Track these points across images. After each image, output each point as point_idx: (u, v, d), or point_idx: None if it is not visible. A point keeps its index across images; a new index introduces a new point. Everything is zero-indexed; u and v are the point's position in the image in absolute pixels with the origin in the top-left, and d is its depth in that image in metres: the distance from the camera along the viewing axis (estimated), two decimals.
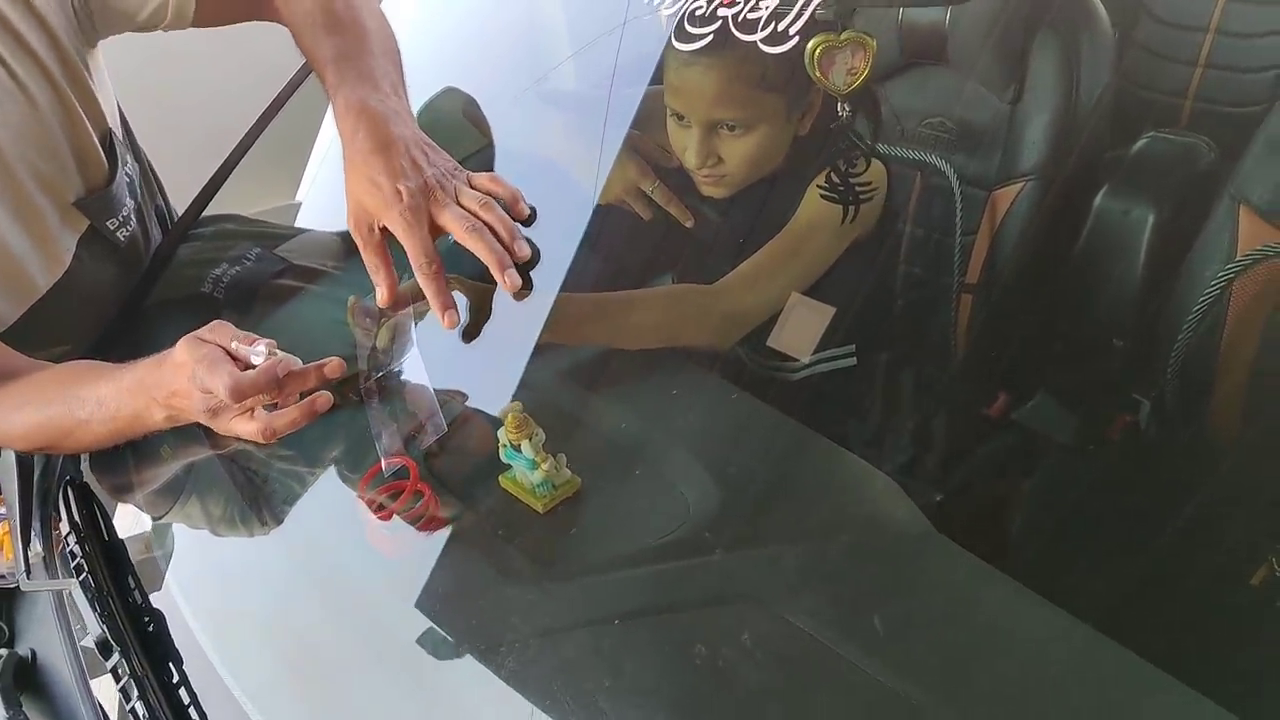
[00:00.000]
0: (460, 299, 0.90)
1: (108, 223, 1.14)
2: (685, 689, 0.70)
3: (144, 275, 1.22)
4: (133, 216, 1.20)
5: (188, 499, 1.08)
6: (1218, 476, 0.88)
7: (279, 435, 0.85)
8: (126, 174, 1.18)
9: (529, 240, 0.91)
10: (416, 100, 1.03)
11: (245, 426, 0.85)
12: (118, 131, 1.18)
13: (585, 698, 0.69)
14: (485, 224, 0.88)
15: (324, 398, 0.86)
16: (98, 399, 0.93)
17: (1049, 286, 1.04)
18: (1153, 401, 0.94)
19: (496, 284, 0.87)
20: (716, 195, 1.05)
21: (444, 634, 0.80)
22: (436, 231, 0.88)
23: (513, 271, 0.87)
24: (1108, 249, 1.00)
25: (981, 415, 1.00)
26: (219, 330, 0.88)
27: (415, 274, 0.87)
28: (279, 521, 1.00)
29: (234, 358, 0.85)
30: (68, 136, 1.07)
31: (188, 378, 0.85)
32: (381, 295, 0.91)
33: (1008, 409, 0.99)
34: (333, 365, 0.87)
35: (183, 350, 0.86)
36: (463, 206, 0.89)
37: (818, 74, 0.91)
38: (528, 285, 0.89)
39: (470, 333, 0.96)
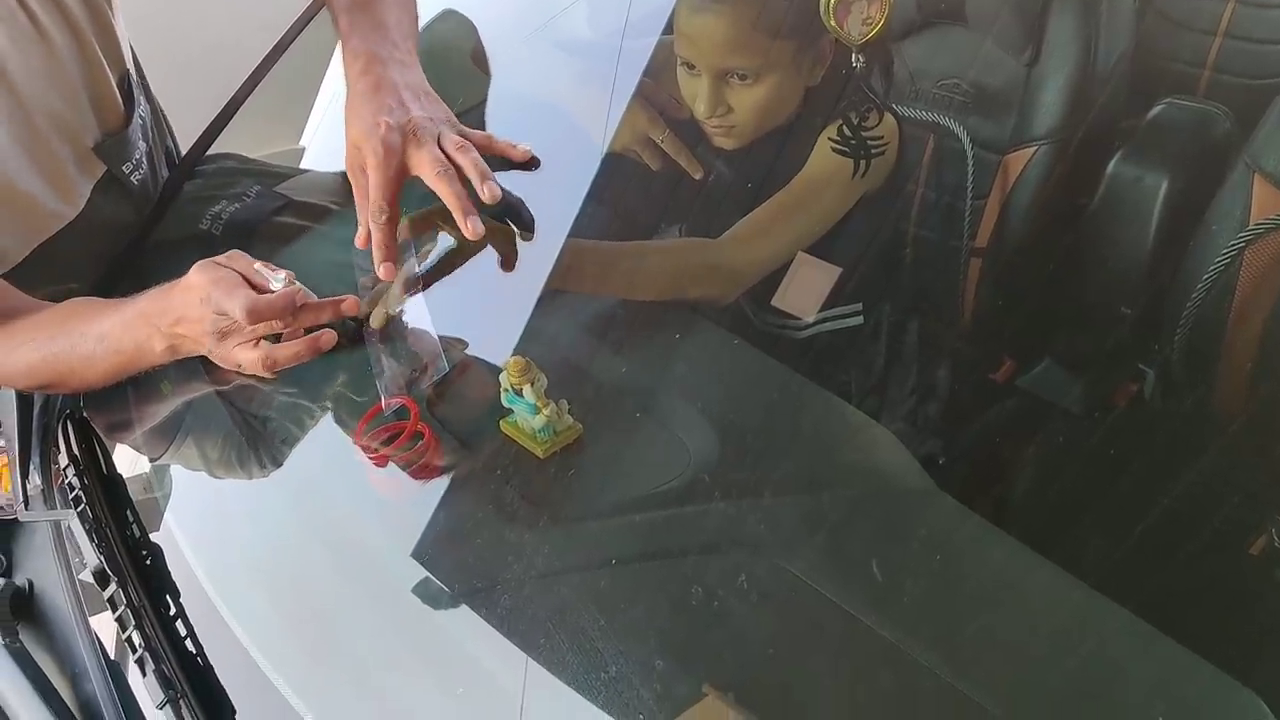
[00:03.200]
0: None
1: (123, 167, 1.14)
2: (680, 630, 0.70)
3: (148, 215, 1.22)
4: (144, 160, 1.19)
5: (184, 440, 1.08)
6: (1221, 445, 0.87)
7: (280, 367, 0.85)
8: (140, 116, 1.17)
9: (506, 191, 0.90)
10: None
11: (248, 355, 0.84)
12: (133, 73, 1.17)
13: (581, 637, 0.69)
14: (457, 167, 0.87)
15: (328, 335, 0.86)
16: (100, 334, 0.92)
17: (1058, 252, 1.03)
18: (1159, 369, 0.94)
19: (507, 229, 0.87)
20: (727, 146, 1.04)
21: (441, 574, 0.80)
22: (404, 174, 0.88)
23: (475, 218, 0.86)
24: (1119, 215, 0.99)
25: (987, 379, 0.99)
26: (236, 258, 0.87)
27: (370, 216, 0.88)
28: (277, 464, 1.00)
29: (251, 285, 0.84)
30: (86, 81, 1.06)
31: (200, 300, 0.84)
32: (360, 236, 0.91)
33: (1013, 374, 0.99)
34: (349, 303, 0.88)
35: (197, 273, 0.86)
36: (441, 149, 0.88)
37: (833, 23, 0.90)
38: (528, 230, 0.88)
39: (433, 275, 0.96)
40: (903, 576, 0.73)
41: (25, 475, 1.03)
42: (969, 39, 1.10)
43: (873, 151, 0.96)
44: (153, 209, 1.22)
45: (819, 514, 0.78)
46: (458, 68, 1.19)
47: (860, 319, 0.97)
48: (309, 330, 0.87)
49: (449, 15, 1.25)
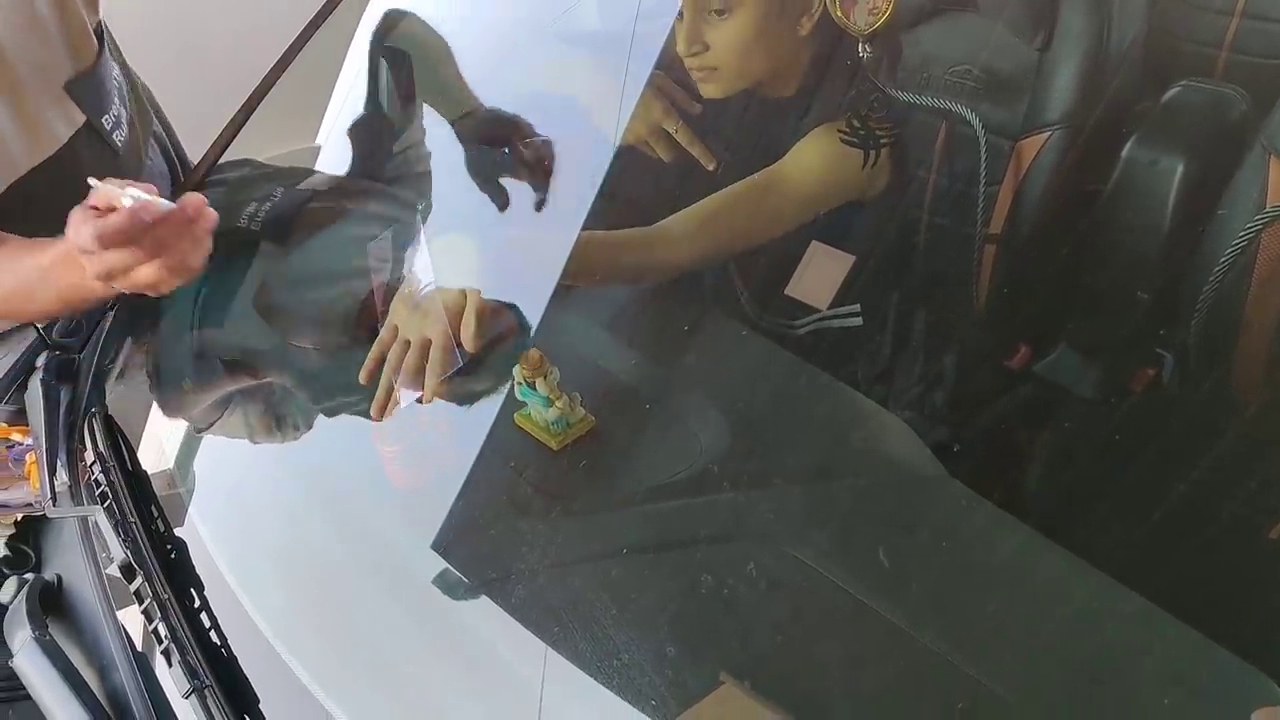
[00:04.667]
0: None
1: (102, 120, 1.16)
2: (692, 618, 0.71)
3: None
4: (124, 124, 1.21)
5: (231, 411, 1.10)
6: (1239, 429, 0.87)
7: (177, 276, 0.85)
8: (115, 79, 1.20)
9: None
10: None
11: (142, 275, 0.83)
12: (107, 31, 1.20)
13: (594, 625, 0.70)
14: None
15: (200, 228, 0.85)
16: (41, 269, 0.94)
17: (1073, 237, 1.02)
18: (1176, 354, 0.93)
19: None
20: (714, 95, 1.02)
21: (457, 564, 0.81)
22: None
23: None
24: (1134, 200, 0.98)
25: (1002, 366, 0.99)
26: (99, 189, 0.85)
27: None
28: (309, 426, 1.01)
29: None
30: (57, 16, 1.09)
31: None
32: None
33: (1028, 360, 0.98)
34: (194, 202, 0.85)
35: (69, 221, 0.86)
36: None
37: (839, 12, 0.90)
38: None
39: None
40: (914, 563, 0.73)
41: (53, 473, 1.05)
42: (980, 25, 1.09)
43: (882, 141, 0.96)
44: None
45: (830, 503, 0.79)
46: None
47: (859, 320, 0.97)
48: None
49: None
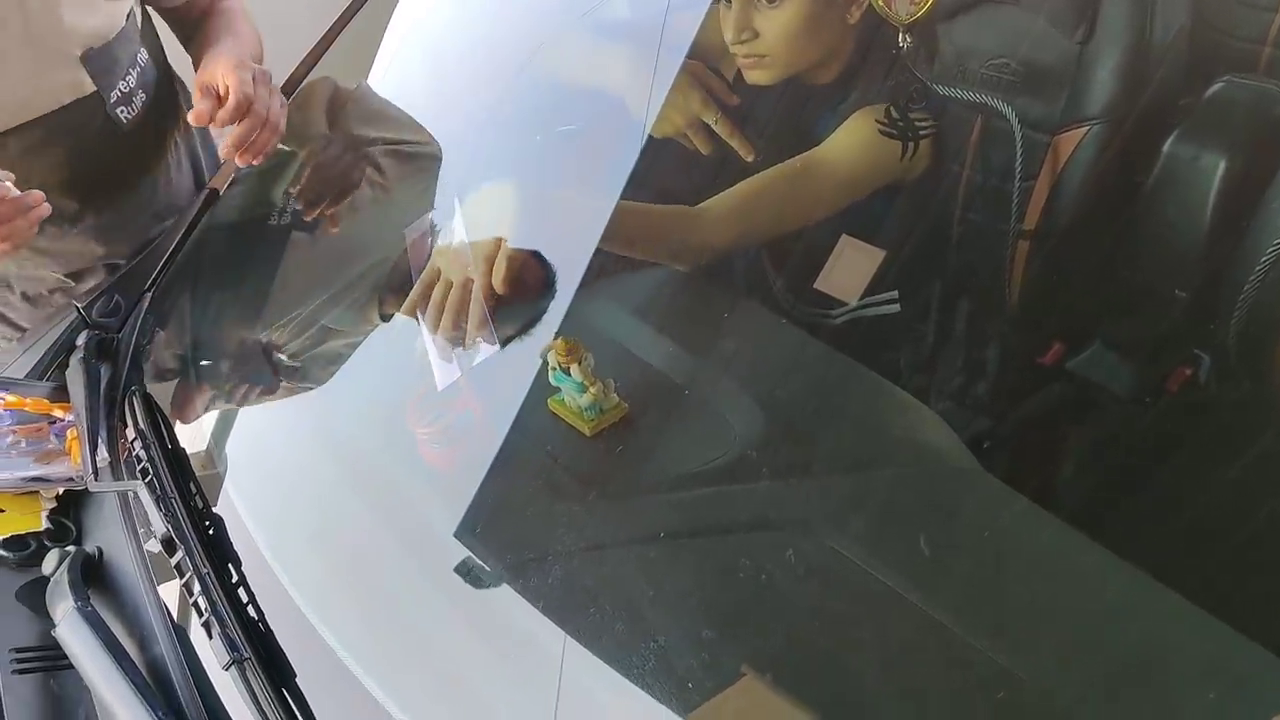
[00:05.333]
0: None
1: (111, 94, 1.22)
2: (727, 603, 0.71)
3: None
4: (137, 104, 1.27)
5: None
6: (1276, 431, 0.86)
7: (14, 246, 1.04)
8: (139, 60, 1.26)
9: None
10: None
11: None
12: (138, 13, 1.27)
13: (629, 607, 0.71)
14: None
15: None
16: None
17: (1110, 234, 1.02)
18: (1213, 354, 0.93)
19: None
20: (761, 81, 1.01)
21: (491, 545, 0.82)
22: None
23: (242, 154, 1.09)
24: (1174, 196, 0.97)
25: (1035, 364, 0.98)
26: None
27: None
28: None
29: None
30: None
31: None
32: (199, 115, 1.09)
33: (1062, 357, 0.98)
34: (35, 197, 1.04)
35: None
36: None
37: (881, 1, 0.89)
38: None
39: None
40: (949, 555, 0.73)
41: (94, 448, 1.07)
42: (1019, 17, 1.08)
43: (921, 134, 0.96)
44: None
45: (864, 492, 0.79)
46: None
47: (897, 307, 0.97)
48: None
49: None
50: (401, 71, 1.33)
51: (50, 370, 1.22)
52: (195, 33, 1.32)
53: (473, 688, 0.82)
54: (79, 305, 1.24)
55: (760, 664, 0.68)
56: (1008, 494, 0.78)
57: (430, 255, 1.04)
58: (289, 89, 1.34)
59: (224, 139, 1.13)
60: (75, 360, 1.16)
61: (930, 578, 0.72)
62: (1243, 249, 0.92)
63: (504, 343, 0.94)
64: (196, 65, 1.27)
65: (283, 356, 1.13)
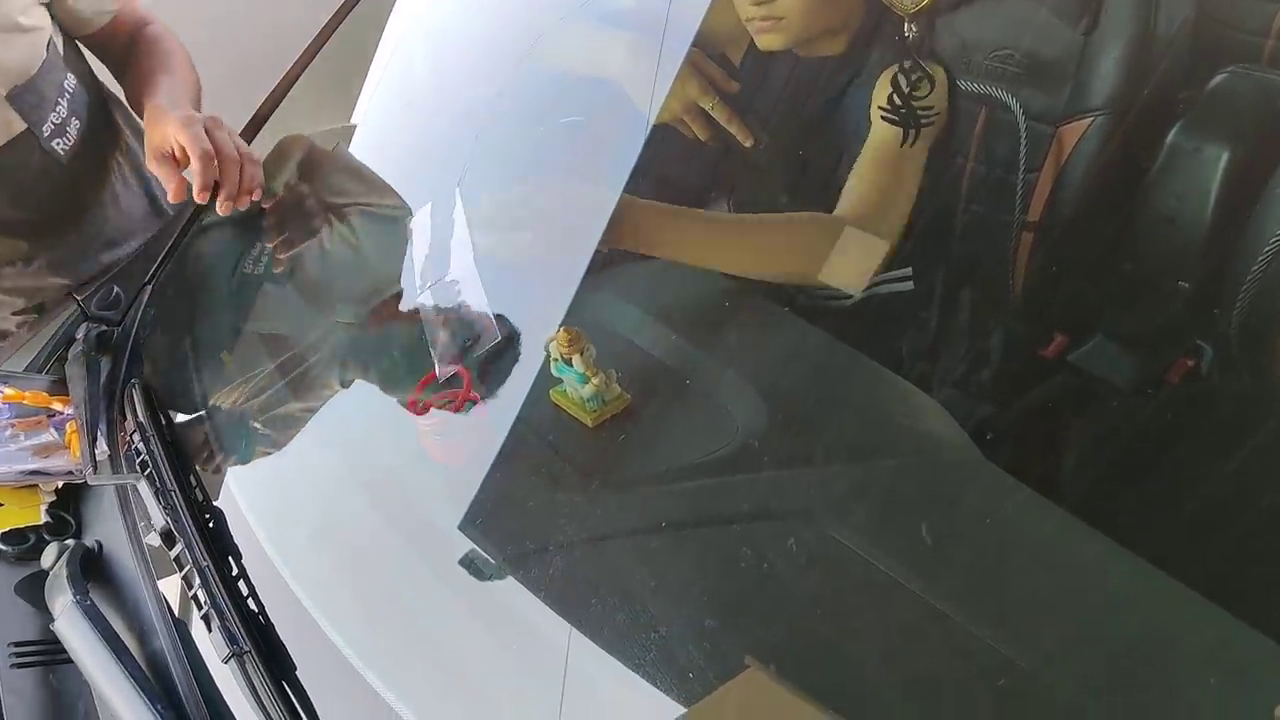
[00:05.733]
0: None
1: (43, 129, 1.21)
2: (730, 593, 0.71)
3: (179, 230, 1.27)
4: (72, 134, 1.25)
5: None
6: (1278, 423, 0.86)
7: None
8: (66, 89, 1.24)
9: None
10: None
11: None
12: (58, 42, 1.24)
13: (631, 598, 0.70)
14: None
15: None
16: None
17: (1113, 225, 1.01)
18: (1215, 345, 0.92)
19: None
20: (775, 46, 1.00)
21: (493, 537, 0.82)
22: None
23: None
24: (1177, 187, 0.97)
25: (1038, 355, 0.98)
26: None
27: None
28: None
29: None
30: None
31: None
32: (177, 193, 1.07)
33: (1064, 349, 0.97)
34: None
35: None
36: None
37: None
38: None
39: None
40: (952, 545, 0.73)
41: (93, 441, 1.06)
42: (1023, 8, 1.08)
43: (923, 121, 0.95)
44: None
45: (867, 482, 0.79)
46: None
47: (910, 284, 0.96)
48: None
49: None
50: (403, 63, 1.32)
51: (50, 363, 1.22)
52: (125, 67, 1.29)
53: (474, 680, 0.82)
54: (78, 298, 1.24)
55: (762, 654, 0.68)
56: (1010, 484, 0.78)
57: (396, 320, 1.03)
58: (289, 82, 1.34)
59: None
60: (74, 353, 1.16)
61: (933, 567, 0.71)
62: (1245, 240, 0.92)
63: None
64: (131, 101, 1.26)
65: (256, 425, 1.11)
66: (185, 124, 1.07)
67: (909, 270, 0.95)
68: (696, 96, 1.03)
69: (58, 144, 1.23)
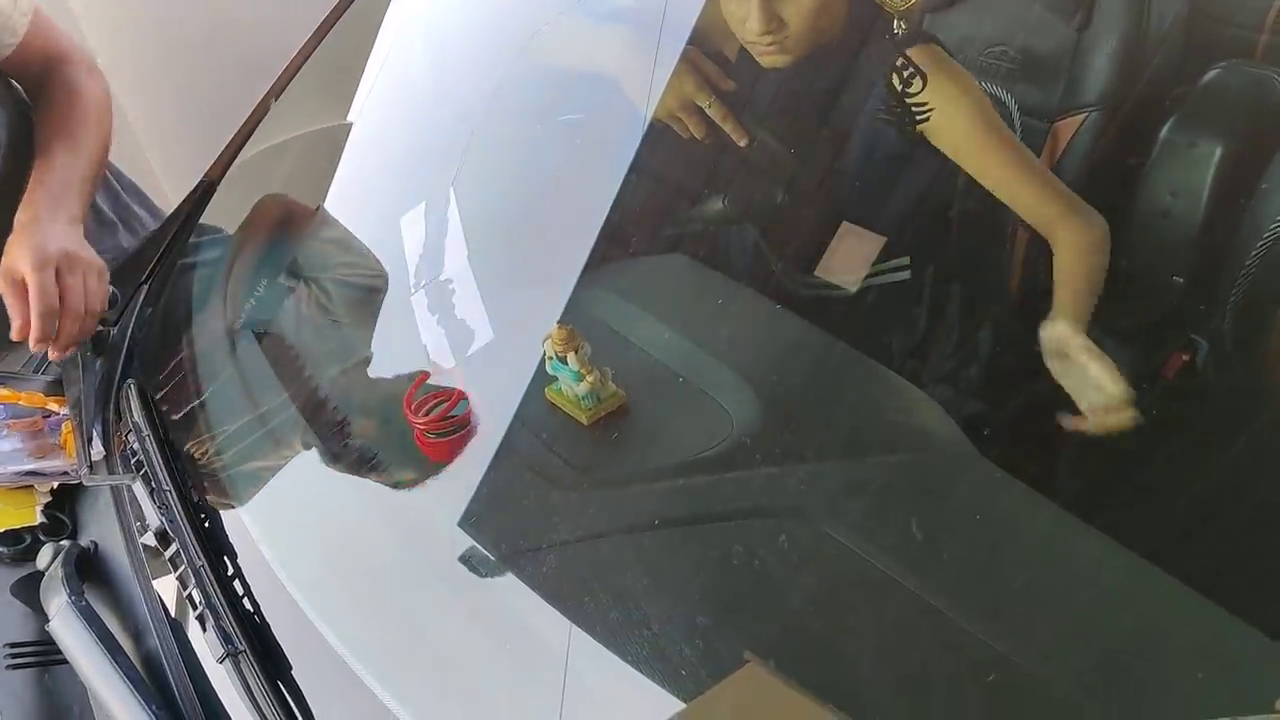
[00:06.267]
0: None
1: None
2: (723, 591, 0.71)
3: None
4: None
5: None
6: (1272, 416, 0.86)
7: None
8: None
9: None
10: None
11: None
12: None
13: (624, 595, 0.70)
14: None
15: None
16: None
17: (1108, 221, 1.02)
18: (1211, 340, 0.92)
19: None
20: (779, 64, 0.99)
21: (488, 536, 0.82)
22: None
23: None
24: (1171, 182, 0.97)
25: (1034, 350, 0.98)
26: None
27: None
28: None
29: None
30: None
31: None
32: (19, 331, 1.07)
33: None
34: None
35: None
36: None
37: None
38: None
39: None
40: (945, 541, 0.73)
41: (89, 442, 1.06)
42: (1017, 4, 1.08)
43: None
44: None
45: (863, 479, 0.79)
46: None
47: (907, 274, 0.95)
48: None
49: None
50: (400, 61, 1.32)
51: (46, 364, 1.22)
52: (36, 105, 1.25)
53: (470, 680, 0.81)
54: None
55: (756, 651, 0.68)
56: (1005, 480, 0.78)
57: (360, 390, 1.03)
58: (285, 80, 1.33)
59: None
60: (70, 354, 1.15)
61: (927, 563, 0.71)
62: (1239, 235, 0.92)
63: None
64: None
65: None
66: (38, 267, 1.06)
67: (905, 260, 0.95)
68: (693, 94, 1.03)
69: None
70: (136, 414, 1.03)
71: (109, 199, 1.42)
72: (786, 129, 1.04)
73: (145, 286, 1.24)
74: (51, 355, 1.10)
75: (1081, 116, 1.03)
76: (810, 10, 0.96)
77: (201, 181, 1.33)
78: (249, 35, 1.36)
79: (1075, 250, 0.94)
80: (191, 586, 0.85)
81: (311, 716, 0.78)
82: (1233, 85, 0.98)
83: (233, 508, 0.99)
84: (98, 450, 1.06)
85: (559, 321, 0.87)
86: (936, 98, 0.97)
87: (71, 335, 1.09)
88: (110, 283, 1.19)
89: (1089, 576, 0.73)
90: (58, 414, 1.14)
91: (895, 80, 0.92)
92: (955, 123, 0.98)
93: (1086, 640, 0.69)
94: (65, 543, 1.04)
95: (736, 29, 1.00)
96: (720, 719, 0.69)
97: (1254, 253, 0.91)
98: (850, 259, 0.98)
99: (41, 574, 1.00)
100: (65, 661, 0.91)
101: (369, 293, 1.18)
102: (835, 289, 0.94)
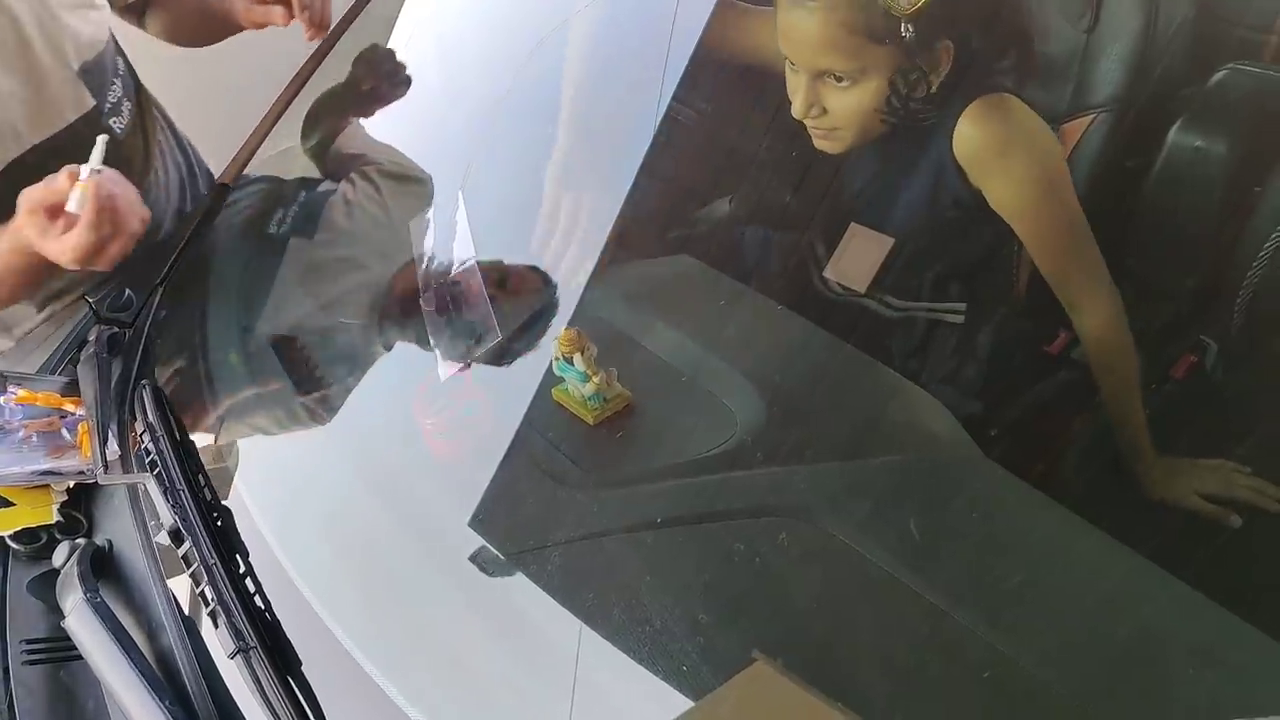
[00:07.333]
0: None
1: (105, 106, 1.22)
2: (725, 588, 0.72)
3: (204, 212, 1.29)
4: (126, 113, 1.27)
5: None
6: None
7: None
8: (120, 70, 1.27)
9: None
10: None
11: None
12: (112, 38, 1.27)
13: (628, 592, 0.71)
14: None
15: None
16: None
17: (1115, 222, 1.01)
18: (1220, 341, 0.92)
19: None
20: (828, 150, 0.99)
21: (495, 534, 0.83)
22: None
23: None
24: (1179, 183, 0.97)
25: (1042, 352, 0.98)
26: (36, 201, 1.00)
27: None
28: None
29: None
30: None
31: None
32: None
33: (1067, 346, 0.97)
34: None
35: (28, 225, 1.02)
36: None
37: None
38: None
39: None
40: (949, 541, 0.73)
41: (104, 442, 1.08)
42: (1025, 6, 1.08)
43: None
44: (208, 208, 1.29)
45: (868, 479, 0.79)
46: None
47: (963, 318, 0.95)
48: None
49: None
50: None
51: (62, 365, 1.23)
52: None
53: (479, 677, 0.82)
54: (90, 300, 1.25)
55: (761, 649, 0.68)
56: (1009, 480, 0.78)
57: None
58: (296, 86, 1.35)
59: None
60: (86, 355, 1.17)
61: (932, 563, 0.72)
62: (1248, 235, 0.92)
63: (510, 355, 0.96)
64: None
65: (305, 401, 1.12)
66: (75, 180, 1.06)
67: (962, 305, 0.94)
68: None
69: (115, 123, 1.24)
70: (151, 414, 1.05)
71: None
72: (794, 132, 1.05)
73: (161, 288, 1.26)
74: (103, 266, 1.08)
75: (1089, 118, 1.03)
76: (855, 109, 0.94)
77: (216, 184, 1.35)
78: (261, 39, 1.38)
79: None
80: (204, 584, 0.86)
81: (321, 712, 0.78)
82: (1241, 87, 0.98)
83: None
84: (113, 450, 1.07)
85: (569, 324, 0.88)
86: (1001, 156, 0.96)
87: (127, 240, 1.07)
88: (126, 285, 1.21)
89: (1094, 577, 0.73)
90: (73, 415, 1.16)
91: (900, 83, 0.92)
92: (1020, 190, 0.97)
93: (1091, 640, 0.69)
94: (81, 541, 1.05)
95: (790, 94, 0.98)
96: (728, 716, 0.69)
97: (1262, 253, 0.90)
98: (860, 260, 0.98)
99: (58, 571, 1.01)
100: (80, 657, 0.92)
101: (415, 184, 1.21)
102: (843, 291, 0.94)
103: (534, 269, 1.02)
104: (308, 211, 1.26)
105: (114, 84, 1.25)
